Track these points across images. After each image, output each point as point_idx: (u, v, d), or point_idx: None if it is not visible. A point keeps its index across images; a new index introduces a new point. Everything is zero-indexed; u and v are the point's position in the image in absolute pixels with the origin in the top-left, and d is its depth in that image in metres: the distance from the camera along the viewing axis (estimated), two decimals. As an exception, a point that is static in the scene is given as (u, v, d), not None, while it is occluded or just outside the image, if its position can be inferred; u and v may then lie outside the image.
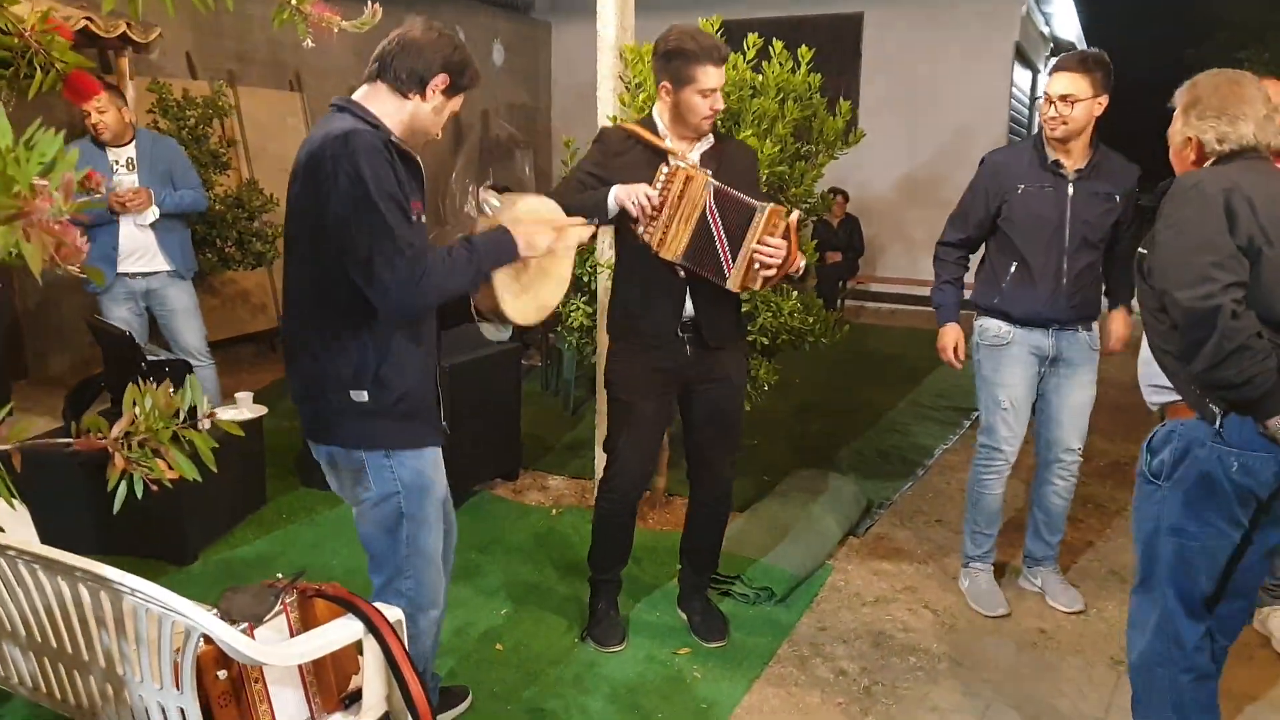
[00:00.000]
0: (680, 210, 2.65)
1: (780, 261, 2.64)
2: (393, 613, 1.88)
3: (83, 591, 1.70)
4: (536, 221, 2.26)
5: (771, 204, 2.65)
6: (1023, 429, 3.36)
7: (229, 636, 1.55)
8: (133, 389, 1.33)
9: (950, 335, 3.38)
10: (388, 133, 2.08)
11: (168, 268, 4.50)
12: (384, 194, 1.97)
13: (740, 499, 4.27)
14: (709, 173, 2.68)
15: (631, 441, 2.97)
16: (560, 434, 5.31)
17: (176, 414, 1.39)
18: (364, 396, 2.10)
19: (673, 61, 2.69)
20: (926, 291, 9.94)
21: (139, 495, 1.36)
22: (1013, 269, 3.22)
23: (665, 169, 2.66)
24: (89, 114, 4.28)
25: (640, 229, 2.69)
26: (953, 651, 3.14)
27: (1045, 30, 11.68)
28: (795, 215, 2.67)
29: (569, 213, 2.67)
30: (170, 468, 1.38)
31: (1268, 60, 12.49)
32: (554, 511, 4.22)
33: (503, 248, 2.18)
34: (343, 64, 8.17)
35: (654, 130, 2.81)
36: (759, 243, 2.62)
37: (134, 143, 4.43)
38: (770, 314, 3.83)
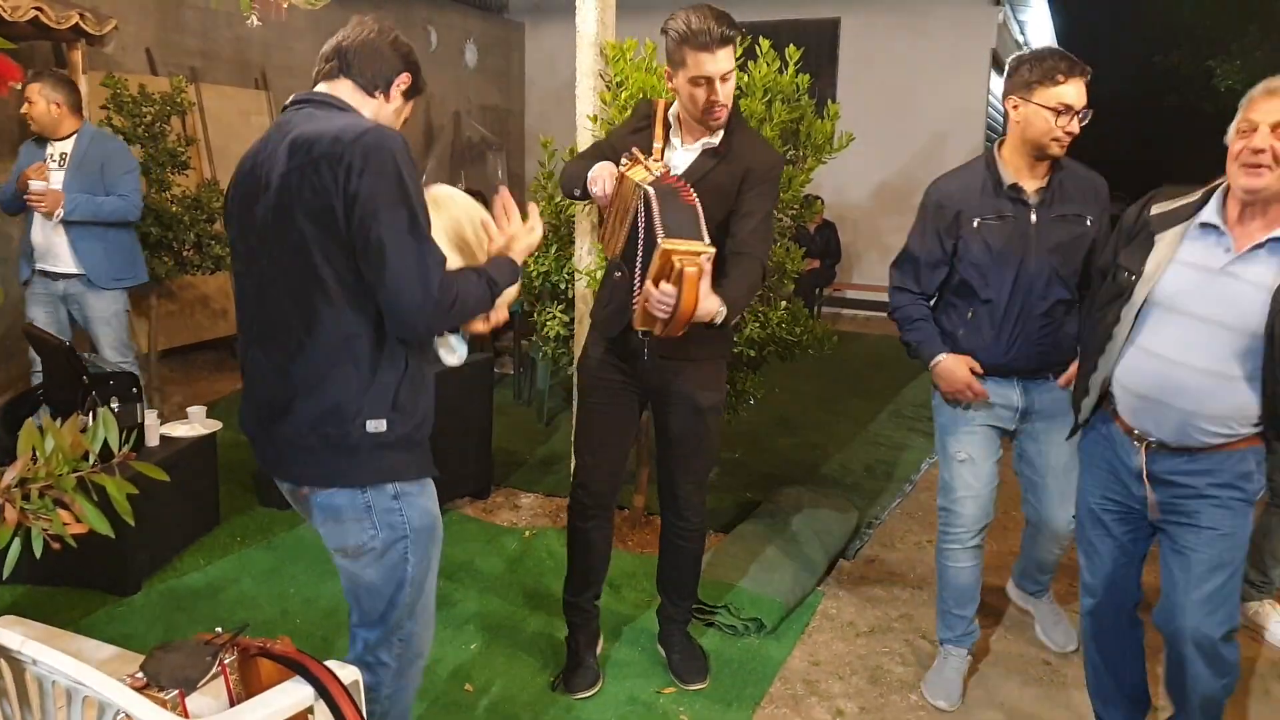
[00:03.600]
0: (616, 208, 2.45)
1: (667, 311, 2.22)
2: (348, 673, 1.66)
3: (-21, 658, 1.46)
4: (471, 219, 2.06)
5: (670, 241, 2.18)
6: (985, 489, 2.82)
7: (151, 716, 1.32)
8: (29, 428, 1.10)
9: (957, 365, 2.73)
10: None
11: (79, 272, 4.25)
12: (420, 204, 1.78)
13: (723, 519, 4.09)
14: (657, 175, 2.34)
15: (584, 439, 2.81)
16: (534, 447, 5.09)
17: (86, 455, 1.17)
18: (382, 425, 1.84)
19: (669, 43, 2.48)
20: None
21: (37, 554, 1.13)
22: (969, 314, 2.74)
23: (625, 160, 2.45)
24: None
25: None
26: (953, 687, 2.96)
27: (1020, 39, 11.63)
28: (694, 269, 2.16)
29: (565, 174, 2.66)
30: (77, 519, 1.16)
31: (1239, 68, 12.54)
32: (526, 534, 3.99)
33: (514, 272, 2.02)
34: (309, 61, 7.84)
35: (668, 115, 2.62)
36: (650, 281, 2.23)
37: (74, 138, 4.19)
38: (758, 325, 3.64)
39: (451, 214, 2.01)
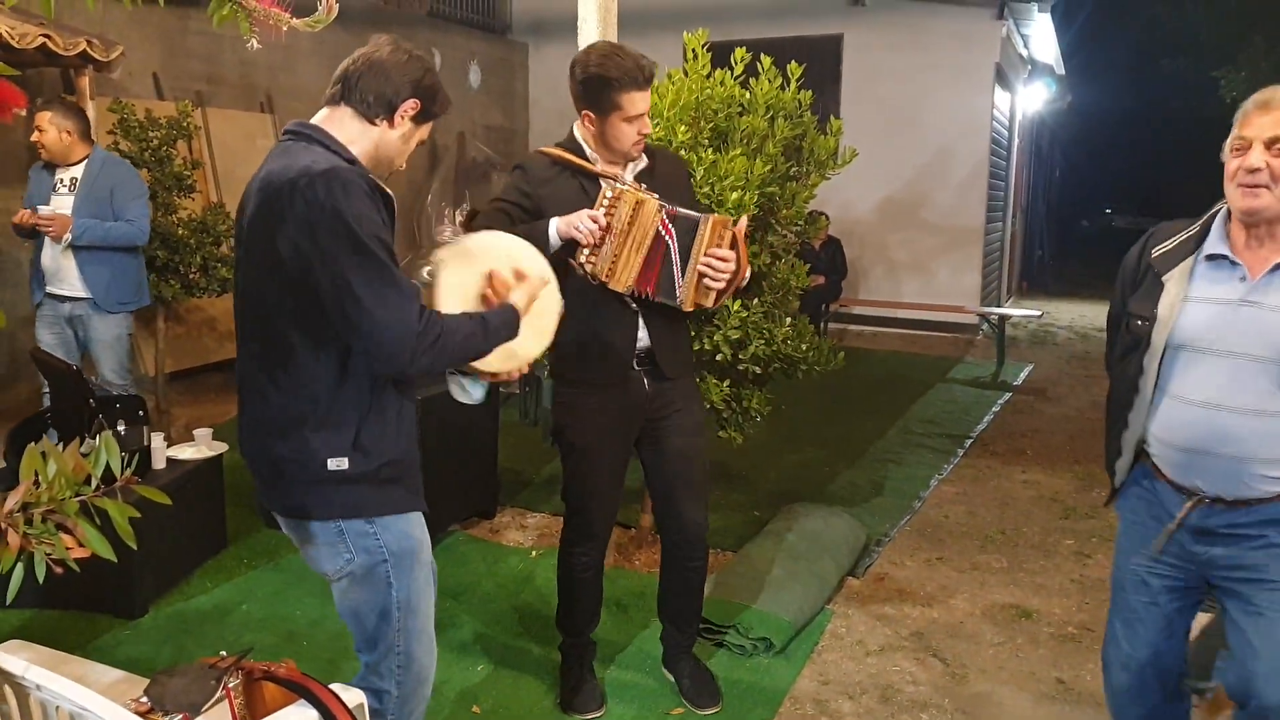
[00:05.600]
0: (631, 237, 2.46)
1: (730, 274, 2.50)
2: (352, 696, 1.65)
3: (-17, 685, 1.45)
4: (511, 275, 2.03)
5: (714, 214, 2.53)
6: None
7: (154, 741, 1.31)
8: (31, 452, 1.10)
9: None
10: (363, 167, 1.87)
11: (86, 296, 4.28)
12: (380, 243, 1.76)
13: (730, 537, 4.07)
14: (655, 195, 2.51)
15: (593, 492, 2.75)
16: (539, 466, 5.08)
17: (89, 480, 1.16)
18: (344, 464, 1.85)
19: (594, 88, 2.48)
20: (909, 314, 9.92)
21: (40, 579, 1.13)
22: None
23: (609, 192, 2.45)
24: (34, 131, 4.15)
25: (583, 259, 2.47)
26: (966, 706, 2.92)
27: (1024, 52, 11.65)
28: (742, 223, 2.55)
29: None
30: (80, 544, 1.15)
31: (1244, 78, 12.56)
32: (533, 554, 3.98)
33: (511, 323, 1.97)
34: (314, 84, 7.95)
35: (580, 153, 2.59)
36: (706, 255, 2.48)
37: (84, 163, 4.22)
38: (763, 342, 3.63)
39: (478, 271, 2.01)
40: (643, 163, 2.65)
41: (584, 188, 2.55)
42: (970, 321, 9.76)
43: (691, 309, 2.57)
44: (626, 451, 2.77)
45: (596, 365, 2.64)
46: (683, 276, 2.52)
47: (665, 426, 2.72)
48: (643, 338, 2.64)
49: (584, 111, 2.53)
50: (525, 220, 2.47)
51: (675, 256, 2.51)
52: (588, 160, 2.58)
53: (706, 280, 2.51)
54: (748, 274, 2.58)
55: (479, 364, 1.98)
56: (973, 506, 4.69)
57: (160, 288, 5.48)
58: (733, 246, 2.50)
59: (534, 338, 2.09)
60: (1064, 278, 16.35)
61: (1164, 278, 2.07)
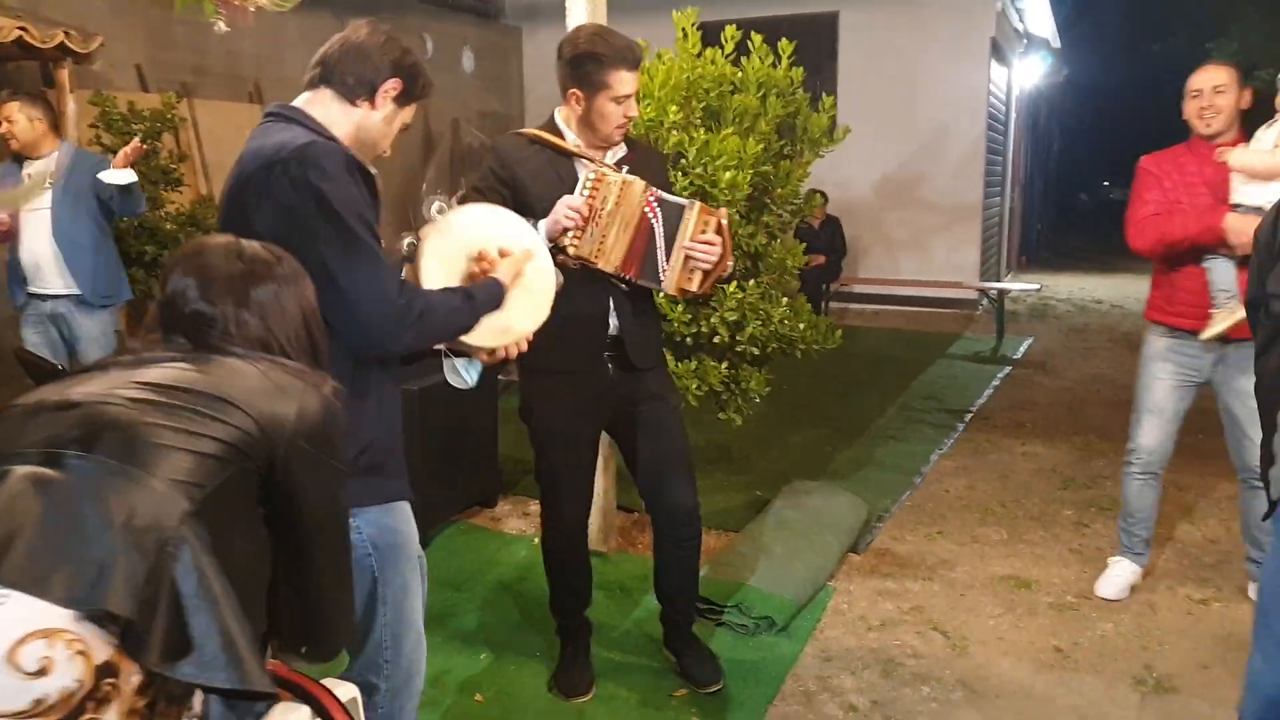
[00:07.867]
0: (619, 217, 2.46)
1: (715, 259, 2.53)
2: (345, 691, 1.63)
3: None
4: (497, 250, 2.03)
5: (699, 202, 2.56)
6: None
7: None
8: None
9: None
10: (344, 146, 1.83)
11: (73, 292, 4.13)
12: (359, 218, 1.73)
13: (732, 517, 4.06)
14: (637, 178, 2.54)
15: (561, 473, 2.76)
16: (539, 453, 5.06)
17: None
18: None
19: (584, 66, 2.47)
20: (908, 291, 9.90)
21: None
22: None
23: (590, 175, 2.46)
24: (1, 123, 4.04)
25: (567, 242, 2.46)
26: (966, 678, 2.91)
27: (1019, 26, 11.58)
28: (723, 212, 2.58)
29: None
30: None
31: (1235, 51, 12.53)
32: (535, 542, 3.96)
33: (496, 296, 1.96)
34: (303, 73, 7.90)
35: (560, 135, 2.59)
36: (692, 240, 2.51)
37: (54, 156, 4.12)
38: (759, 322, 3.61)
39: (462, 245, 2.00)
40: (622, 151, 2.65)
41: (560, 167, 2.55)
42: (970, 297, 9.73)
43: (675, 294, 2.62)
44: (595, 435, 2.81)
45: (567, 351, 2.58)
46: (667, 260, 2.54)
47: (641, 412, 2.72)
48: (613, 325, 2.63)
49: (571, 91, 2.52)
50: (503, 201, 2.42)
51: (660, 240, 2.53)
52: (566, 142, 2.58)
53: (693, 262, 2.53)
54: (730, 264, 2.64)
55: (470, 339, 1.95)
56: (972, 480, 4.68)
57: (149, 284, 5.44)
58: (718, 233, 2.53)
59: (528, 312, 2.05)
60: (1063, 251, 16.32)
61: None
